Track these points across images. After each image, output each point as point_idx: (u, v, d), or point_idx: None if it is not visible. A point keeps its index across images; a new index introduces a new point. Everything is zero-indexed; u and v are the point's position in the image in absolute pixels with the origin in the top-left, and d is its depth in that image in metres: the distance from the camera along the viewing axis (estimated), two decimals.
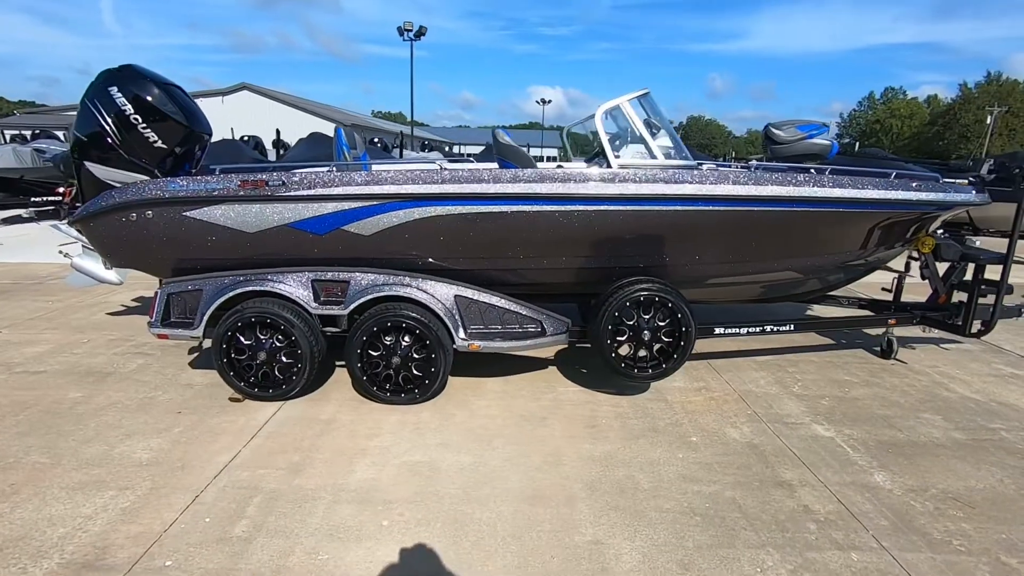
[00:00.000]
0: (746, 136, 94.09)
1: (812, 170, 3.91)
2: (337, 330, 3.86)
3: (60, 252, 5.28)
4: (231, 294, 3.73)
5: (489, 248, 3.82)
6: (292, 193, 3.66)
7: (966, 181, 4.76)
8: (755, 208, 3.72)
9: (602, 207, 3.66)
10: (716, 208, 3.69)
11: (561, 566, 2.44)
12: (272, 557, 2.45)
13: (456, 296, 3.82)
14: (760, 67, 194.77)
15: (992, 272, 4.59)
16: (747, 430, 3.72)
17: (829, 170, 3.89)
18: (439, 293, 3.80)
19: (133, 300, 6.38)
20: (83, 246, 5.05)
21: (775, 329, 4.46)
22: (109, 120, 4.41)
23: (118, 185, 4.67)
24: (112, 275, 5.03)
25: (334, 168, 3.73)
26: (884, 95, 65.07)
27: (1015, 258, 4.50)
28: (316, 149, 11.12)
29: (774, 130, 4.82)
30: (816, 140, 4.66)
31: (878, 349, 5.28)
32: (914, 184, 3.92)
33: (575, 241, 3.80)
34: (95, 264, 5.02)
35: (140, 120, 4.40)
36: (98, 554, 2.43)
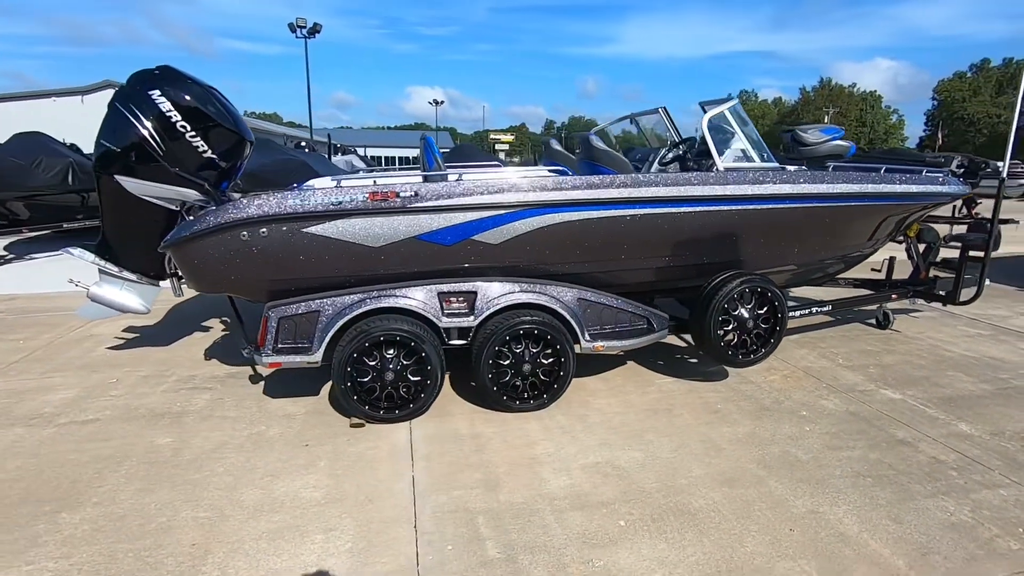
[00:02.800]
0: (621, 136, 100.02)
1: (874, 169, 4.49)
2: (463, 343, 3.77)
3: (72, 282, 4.57)
4: (358, 312, 3.51)
5: (607, 251, 3.94)
6: (424, 204, 3.52)
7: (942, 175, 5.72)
8: (835, 204, 4.21)
9: (714, 207, 3.94)
10: (806, 205, 4.13)
11: (804, 536, 2.67)
12: (551, 571, 2.43)
13: (579, 299, 3.90)
14: (630, 70, 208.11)
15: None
16: (836, 400, 4.20)
17: (884, 169, 4.50)
18: (565, 297, 3.85)
19: (124, 331, 5.60)
20: (100, 271, 4.44)
21: (818, 311, 5.03)
22: (149, 127, 3.95)
23: (157, 202, 4.19)
24: (135, 302, 4.49)
25: (462, 177, 3.64)
26: (739, 97, 72.58)
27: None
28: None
29: (801, 134, 5.41)
30: (838, 142, 5.31)
31: (872, 322, 6.11)
32: (939, 179, 4.65)
33: (684, 240, 4.04)
34: (116, 292, 4.45)
35: (188, 127, 3.98)
36: None
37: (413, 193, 3.51)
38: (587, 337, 3.90)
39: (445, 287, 3.69)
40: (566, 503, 2.90)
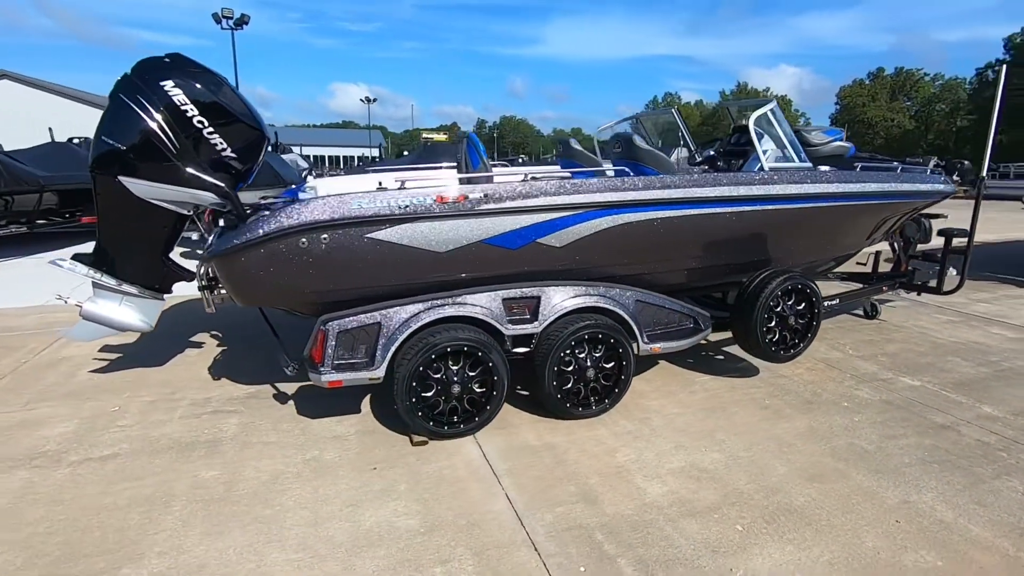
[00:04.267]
0: (552, 135, 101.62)
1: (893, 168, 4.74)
2: (525, 350, 3.62)
3: (60, 299, 4.02)
4: (424, 322, 3.28)
5: (663, 252, 3.91)
6: (493, 207, 3.33)
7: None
8: (860, 203, 4.41)
9: (762, 207, 4.01)
10: (842, 204, 4.29)
11: (911, 526, 2.75)
12: None
13: (636, 300, 3.85)
14: (556, 71, 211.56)
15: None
16: (867, 390, 4.39)
17: (900, 168, 4.76)
18: (624, 299, 3.79)
19: (101, 352, 4.99)
20: (95, 285, 3.93)
21: (829, 304, 5.26)
22: (161, 122, 3.54)
23: (166, 206, 3.76)
24: (137, 319, 4.03)
25: (530, 176, 3.48)
26: (665, 99, 75.90)
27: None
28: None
29: (806, 135, 5.63)
30: (839, 143, 5.57)
31: (860, 312, 6.48)
32: (941, 178, 4.98)
33: (731, 240, 4.09)
34: (114, 308, 3.97)
35: (206, 123, 3.60)
36: None
37: (482, 195, 3.32)
38: (645, 339, 3.85)
39: (509, 293, 3.53)
40: (674, 511, 2.83)
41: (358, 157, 56.35)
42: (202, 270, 3.58)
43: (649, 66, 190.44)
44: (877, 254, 6.27)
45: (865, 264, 6.46)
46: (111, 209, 3.81)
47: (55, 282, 7.50)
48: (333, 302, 3.33)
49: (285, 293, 3.23)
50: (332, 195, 3.13)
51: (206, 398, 4.07)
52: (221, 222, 3.99)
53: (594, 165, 4.88)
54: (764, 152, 4.14)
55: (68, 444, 3.43)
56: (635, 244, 3.80)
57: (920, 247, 6.21)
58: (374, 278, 3.30)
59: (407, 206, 3.19)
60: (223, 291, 3.74)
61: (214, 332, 5.54)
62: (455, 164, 4.89)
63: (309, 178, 5.24)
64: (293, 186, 5.27)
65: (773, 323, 4.22)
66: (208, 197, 3.74)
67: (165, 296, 4.13)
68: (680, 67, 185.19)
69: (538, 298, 3.58)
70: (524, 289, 3.56)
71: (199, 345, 5.20)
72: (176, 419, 3.75)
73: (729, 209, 3.92)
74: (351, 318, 3.24)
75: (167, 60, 3.68)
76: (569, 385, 3.69)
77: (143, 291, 4.01)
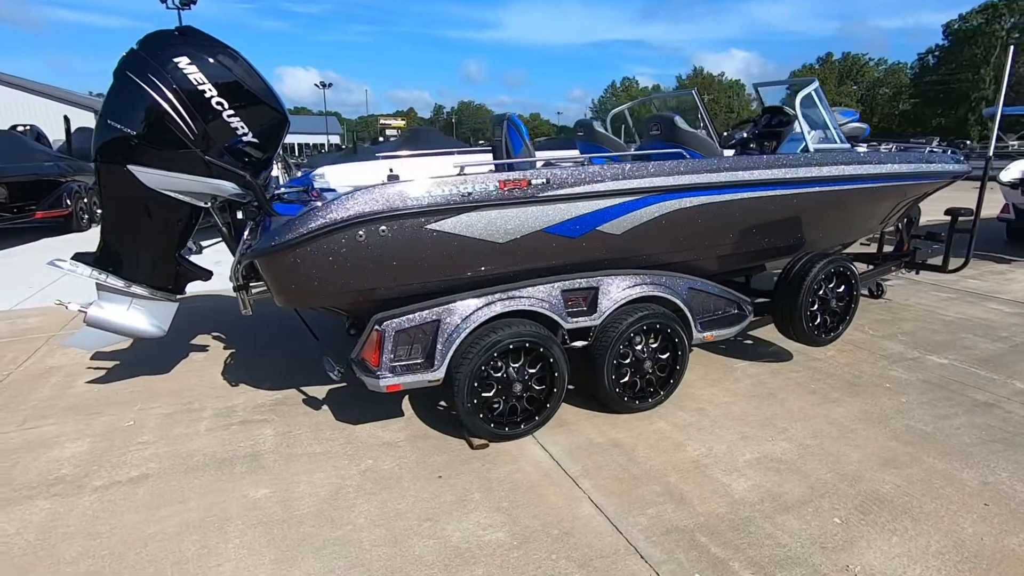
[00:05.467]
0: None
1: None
2: (583, 343, 3.45)
3: (60, 304, 3.61)
4: (485, 319, 3.06)
5: (714, 236, 3.80)
6: (556, 193, 3.12)
7: None
8: (895, 183, 4.40)
9: (808, 189, 3.93)
10: (879, 185, 4.26)
11: (1001, 508, 2.73)
12: None
13: (689, 288, 3.72)
14: (513, 56, 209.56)
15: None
16: (901, 370, 4.42)
17: (933, 146, 4.77)
18: (678, 287, 3.66)
19: (94, 360, 4.54)
20: (99, 287, 3.55)
21: None
22: (175, 103, 3.19)
23: (181, 197, 3.41)
24: (148, 324, 3.67)
25: (588, 161, 3.28)
26: (623, 84, 76.34)
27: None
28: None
29: None
30: (856, 124, 5.58)
31: (865, 293, 6.58)
32: (960, 158, 5.05)
33: (778, 223, 4.00)
34: (122, 313, 3.61)
35: (225, 104, 3.27)
36: None
37: (544, 181, 3.10)
38: (698, 327, 3.74)
39: (567, 284, 3.34)
40: (767, 507, 2.74)
41: (314, 144, 54.46)
42: (239, 269, 3.24)
43: (605, 51, 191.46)
44: (882, 234, 6.35)
45: (869, 244, 6.55)
46: (118, 202, 3.42)
47: (11, 284, 6.88)
48: (384, 300, 3.06)
49: (337, 291, 2.95)
50: (391, 183, 2.85)
51: (229, 407, 3.74)
52: (239, 215, 3.66)
53: (619, 149, 4.71)
54: (810, 133, 4.06)
55: (86, 466, 3.07)
56: (691, 229, 3.67)
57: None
58: (431, 272, 3.05)
59: (470, 193, 2.94)
60: (257, 290, 3.40)
61: (216, 334, 5.15)
62: (490, 147, 4.64)
63: (320, 168, 4.87)
64: (299, 175, 4.91)
65: (815, 306, 4.18)
66: (228, 187, 3.41)
67: (178, 297, 3.76)
68: (635, 52, 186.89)
69: (596, 289, 3.41)
70: (581, 280, 3.38)
71: (203, 348, 4.81)
72: (203, 432, 3.42)
73: (784, 191, 3.83)
74: (408, 316, 2.99)
75: (179, 33, 3.30)
76: (626, 378, 3.55)
77: (154, 292, 3.64)
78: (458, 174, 3.02)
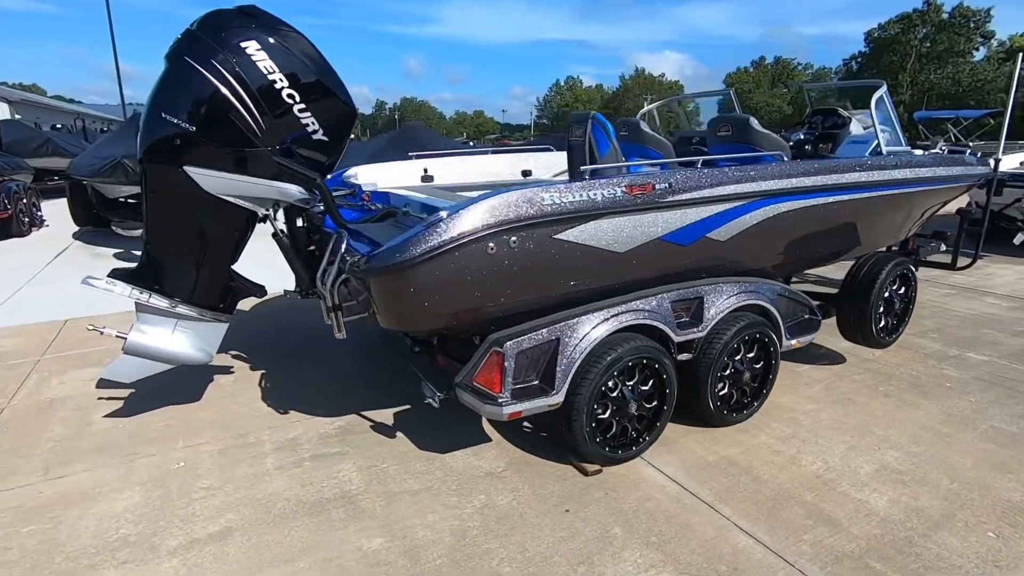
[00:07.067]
0: (455, 117, 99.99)
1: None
2: (688, 356, 3.26)
3: (94, 329, 3.09)
4: (604, 335, 2.81)
5: (802, 241, 3.70)
6: (678, 198, 2.90)
7: None
8: (944, 186, 4.48)
9: (886, 192, 3.91)
10: (934, 188, 4.31)
11: None
12: None
13: (778, 294, 3.61)
14: (454, 52, 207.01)
15: None
16: (951, 368, 4.50)
17: (969, 152, 4.89)
18: (770, 294, 3.53)
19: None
20: (139, 308, 3.08)
21: None
22: (243, 96, 2.78)
23: (241, 203, 2.99)
24: (194, 349, 3.22)
25: (700, 164, 3.08)
26: (567, 82, 77.09)
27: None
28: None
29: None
30: None
31: None
32: (984, 162, 5.22)
33: (853, 226, 3.96)
34: (167, 337, 3.14)
35: (297, 97, 2.89)
36: None
37: (667, 185, 2.88)
38: (787, 334, 3.64)
39: (674, 295, 3.14)
40: (917, 524, 2.65)
41: None
42: (336, 288, 2.81)
43: (547, 50, 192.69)
44: None
45: None
46: (169, 209, 2.94)
47: None
48: (496, 318, 2.76)
49: (453, 310, 2.61)
50: (518, 189, 2.54)
51: (290, 440, 3.31)
52: (299, 222, 3.25)
53: (665, 149, 4.56)
54: (883, 134, 4.04)
55: (150, 523, 2.60)
56: (787, 234, 3.57)
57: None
58: (550, 286, 2.77)
59: (597, 199, 2.68)
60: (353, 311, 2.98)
61: (234, 351, 4.61)
62: (547, 147, 4.36)
63: (351, 169, 4.45)
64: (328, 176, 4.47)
65: (882, 309, 4.19)
66: (295, 191, 3.01)
67: (226, 317, 3.29)
68: (576, 51, 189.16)
69: (700, 299, 3.23)
70: (687, 290, 3.19)
71: (227, 369, 4.29)
72: (273, 471, 3.00)
73: (878, 194, 3.80)
74: (528, 336, 2.70)
75: (243, 13, 2.85)
76: (724, 390, 3.40)
77: (203, 312, 3.17)
78: (589, 177, 2.75)
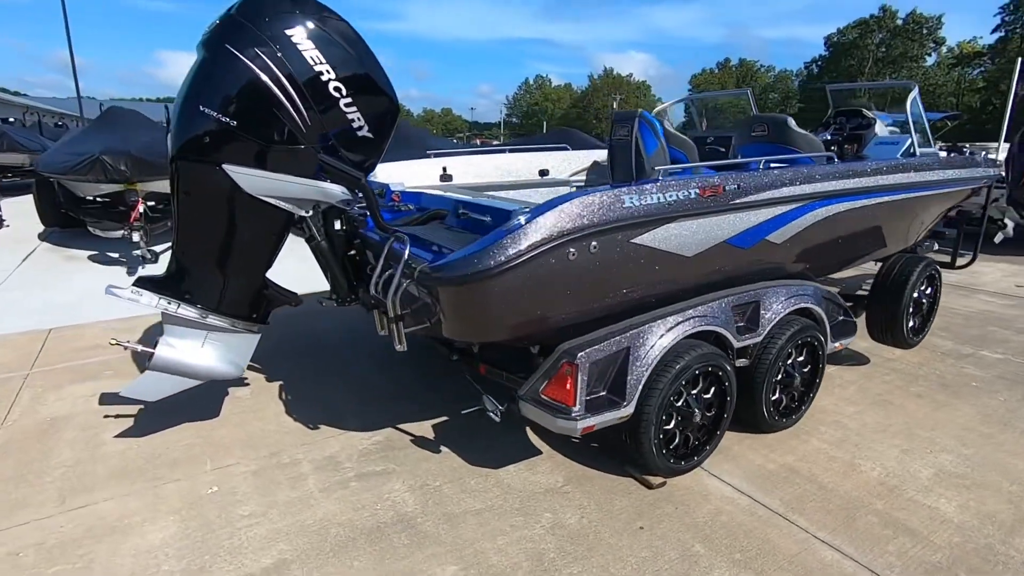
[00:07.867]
0: (423, 114, 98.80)
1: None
2: (745, 362, 3.18)
3: (117, 343, 2.81)
4: (671, 343, 2.69)
5: (844, 243, 3.66)
6: (745, 200, 2.80)
7: None
8: (964, 188, 4.53)
9: (928, 192, 3.93)
10: (956, 189, 4.36)
11: None
12: None
13: (823, 297, 3.57)
14: (419, 49, 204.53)
15: None
16: (972, 368, 4.56)
17: (982, 155, 4.97)
18: (817, 296, 3.48)
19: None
20: (167, 319, 2.83)
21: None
22: (289, 88, 2.57)
23: (281, 204, 2.77)
24: (224, 363, 2.99)
25: (764, 164, 2.99)
26: (536, 81, 77.16)
27: None
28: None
29: None
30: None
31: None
32: (997, 164, 5.33)
33: (887, 227, 3.96)
34: (196, 351, 2.90)
35: (344, 91, 2.69)
36: None
37: (736, 187, 2.78)
38: (832, 337, 3.60)
39: (734, 300, 3.05)
40: (992, 530, 2.62)
41: None
42: (398, 297, 2.58)
43: (512, 48, 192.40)
44: None
45: None
46: (204, 211, 2.68)
47: None
48: (564, 327, 2.61)
49: (526, 319, 2.44)
50: (596, 192, 2.39)
51: (328, 457, 3.09)
52: (336, 225, 3.03)
53: (690, 150, 4.49)
54: (917, 135, 4.05)
55: (195, 557, 2.36)
56: (833, 235, 3.52)
57: None
58: (621, 293, 2.63)
59: (673, 202, 2.56)
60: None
61: None
62: (563, 146, 4.21)
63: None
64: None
65: (911, 309, 4.21)
66: (337, 192, 2.80)
67: (259, 328, 3.05)
68: (542, 50, 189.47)
69: (757, 303, 3.15)
70: (744, 294, 3.11)
71: (239, 382, 4.00)
72: (318, 494, 2.78)
73: (909, 196, 3.79)
74: (600, 346, 2.56)
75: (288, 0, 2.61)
76: (776, 395, 3.34)
77: (235, 323, 2.92)
78: (663, 179, 2.62)
